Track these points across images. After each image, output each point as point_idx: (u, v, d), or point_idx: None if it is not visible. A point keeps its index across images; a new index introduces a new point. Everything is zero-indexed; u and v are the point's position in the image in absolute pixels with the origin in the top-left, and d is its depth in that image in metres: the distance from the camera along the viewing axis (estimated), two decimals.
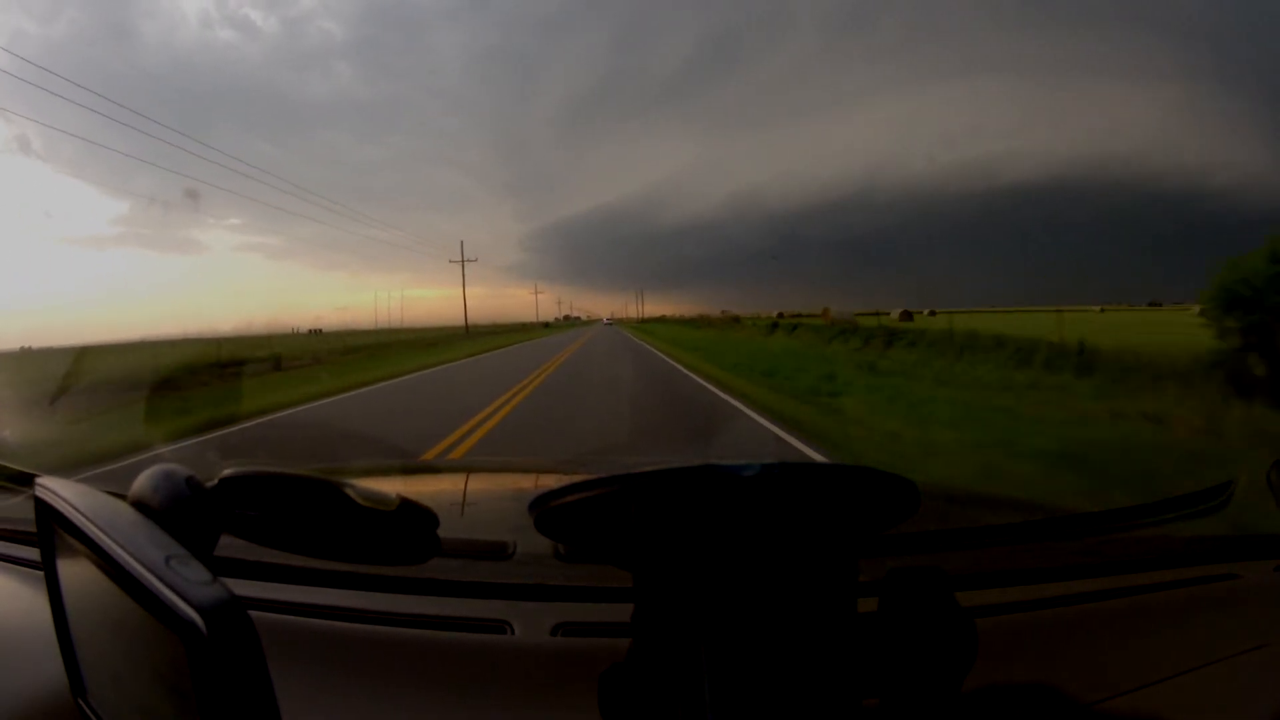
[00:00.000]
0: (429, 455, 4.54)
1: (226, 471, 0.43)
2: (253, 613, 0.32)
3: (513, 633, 0.64)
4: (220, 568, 0.34)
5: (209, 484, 0.41)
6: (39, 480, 0.42)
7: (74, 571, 0.41)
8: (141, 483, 0.39)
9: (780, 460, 0.40)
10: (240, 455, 5.15)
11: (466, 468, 1.89)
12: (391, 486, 0.73)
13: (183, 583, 0.31)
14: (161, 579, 0.31)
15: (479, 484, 1.41)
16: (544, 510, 0.43)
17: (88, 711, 0.43)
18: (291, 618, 0.65)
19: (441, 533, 0.50)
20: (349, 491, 0.45)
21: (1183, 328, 9.74)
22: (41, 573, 0.46)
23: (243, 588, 0.67)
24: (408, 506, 0.47)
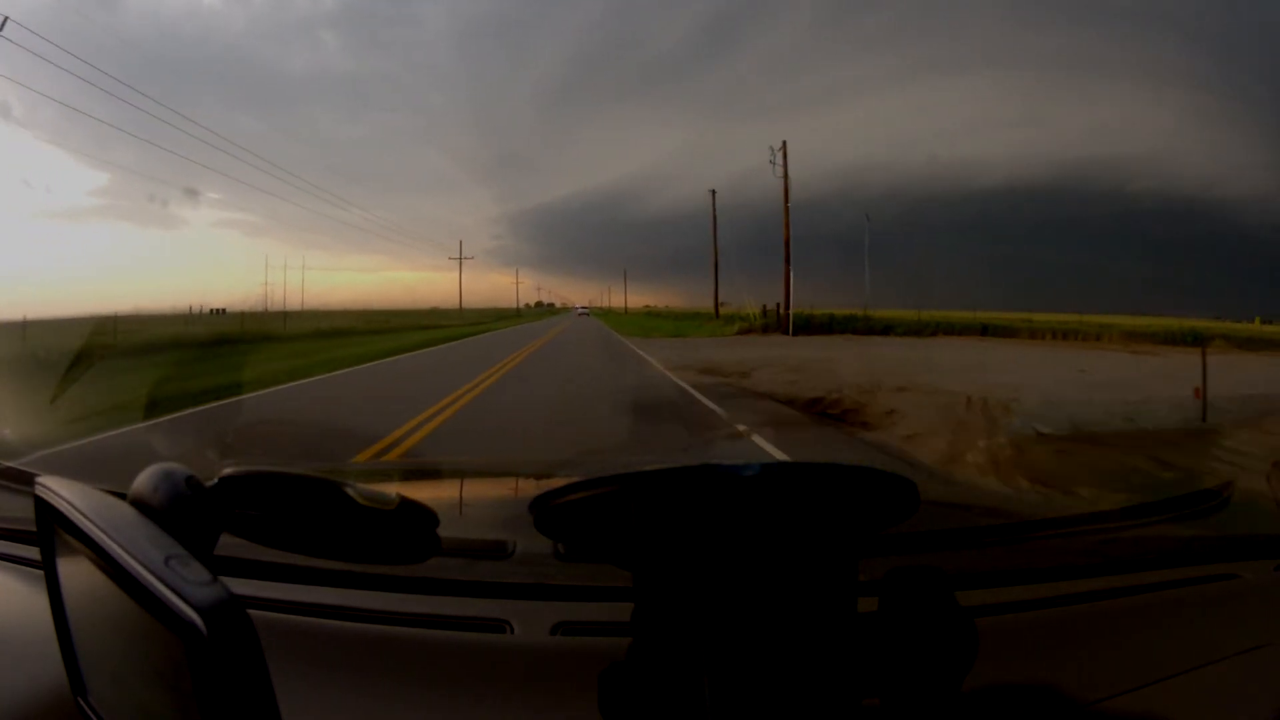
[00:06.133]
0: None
1: (226, 471, 0.43)
2: (252, 612, 0.32)
3: (512, 632, 0.64)
4: (220, 567, 0.34)
5: (209, 483, 0.41)
6: (39, 479, 0.42)
7: (74, 571, 0.41)
8: (141, 482, 0.39)
9: (780, 460, 0.40)
10: None
11: (466, 468, 1.90)
12: (391, 486, 0.73)
13: (182, 583, 0.31)
14: (161, 579, 0.31)
15: (479, 484, 1.41)
16: (544, 510, 0.43)
17: (88, 711, 0.43)
18: (291, 617, 0.65)
19: (441, 532, 0.50)
20: (349, 491, 0.45)
21: None
22: (41, 572, 0.46)
23: (243, 587, 0.67)
24: (408, 506, 0.47)
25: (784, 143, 19.65)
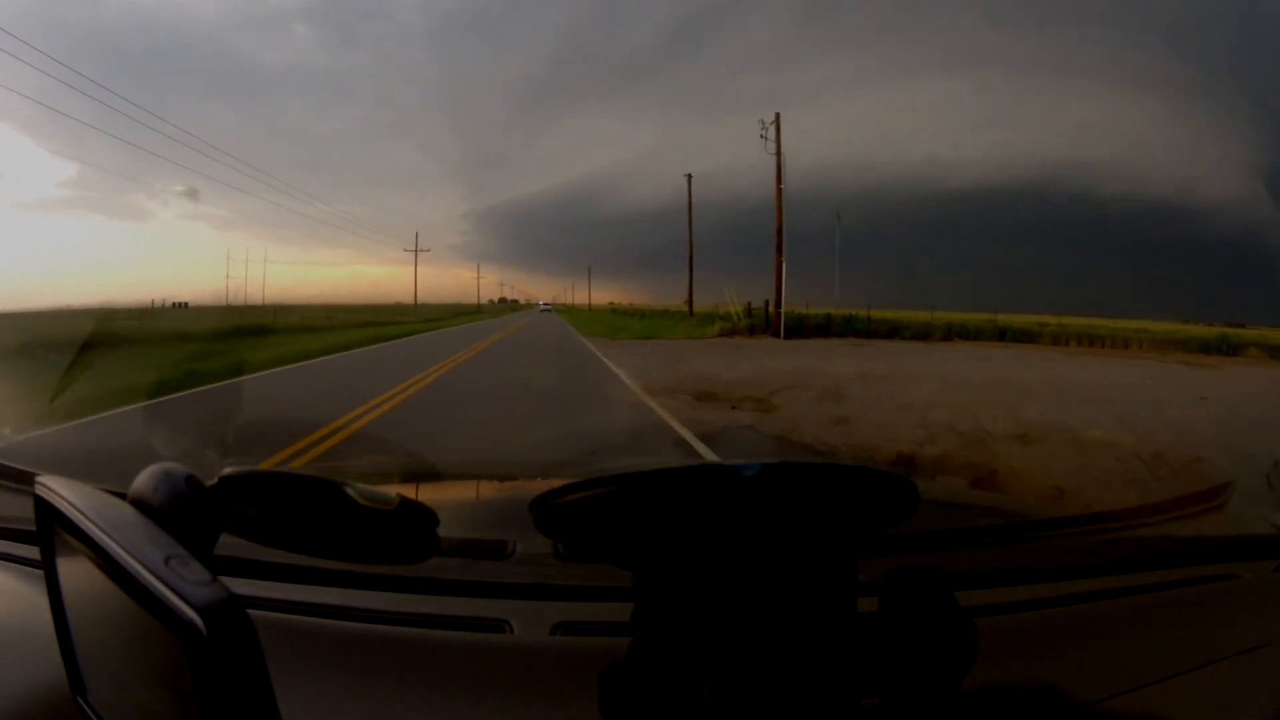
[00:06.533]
0: None
1: (226, 470, 0.43)
2: (252, 612, 0.32)
3: (512, 632, 0.64)
4: (220, 567, 0.34)
5: (209, 483, 0.41)
6: (39, 479, 0.42)
7: (74, 570, 0.41)
8: (141, 482, 0.39)
9: (780, 460, 0.40)
10: None
11: (466, 468, 1.90)
12: (391, 486, 0.73)
13: (182, 583, 0.31)
14: (161, 579, 0.32)
15: (479, 484, 1.41)
16: (544, 509, 0.43)
17: (88, 711, 0.43)
18: (291, 616, 0.65)
19: (441, 532, 0.50)
20: (349, 491, 0.45)
21: None
22: (41, 572, 0.46)
23: (242, 586, 0.67)
24: (408, 505, 0.47)
25: (777, 115, 17.66)
